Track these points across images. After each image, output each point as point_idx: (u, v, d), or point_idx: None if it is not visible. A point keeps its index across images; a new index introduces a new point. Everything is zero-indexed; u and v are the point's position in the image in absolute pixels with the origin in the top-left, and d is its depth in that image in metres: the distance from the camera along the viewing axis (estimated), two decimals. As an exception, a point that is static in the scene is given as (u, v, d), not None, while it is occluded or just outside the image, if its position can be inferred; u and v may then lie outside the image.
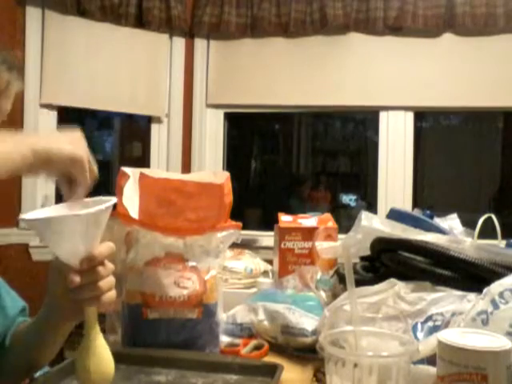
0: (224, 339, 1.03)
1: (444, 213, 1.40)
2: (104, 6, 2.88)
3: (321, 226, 1.46)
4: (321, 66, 3.07)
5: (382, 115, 3.08)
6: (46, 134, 0.78)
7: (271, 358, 0.95)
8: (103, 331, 0.75)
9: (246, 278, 1.51)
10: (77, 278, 0.69)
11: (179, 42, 3.17)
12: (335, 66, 3.07)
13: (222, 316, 1.05)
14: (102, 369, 0.71)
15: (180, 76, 3.19)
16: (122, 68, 3.04)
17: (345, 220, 4.80)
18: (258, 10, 3.03)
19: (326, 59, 3.07)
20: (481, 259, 0.93)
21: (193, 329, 0.93)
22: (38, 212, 0.72)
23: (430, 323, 0.82)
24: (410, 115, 3.06)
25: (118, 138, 5.60)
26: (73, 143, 0.75)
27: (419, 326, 0.82)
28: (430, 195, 5.29)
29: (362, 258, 1.17)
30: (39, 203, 2.84)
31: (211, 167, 3.18)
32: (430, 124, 6.06)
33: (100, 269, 0.72)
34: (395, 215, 1.25)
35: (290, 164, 6.62)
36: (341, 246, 1.27)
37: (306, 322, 1.00)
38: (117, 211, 0.92)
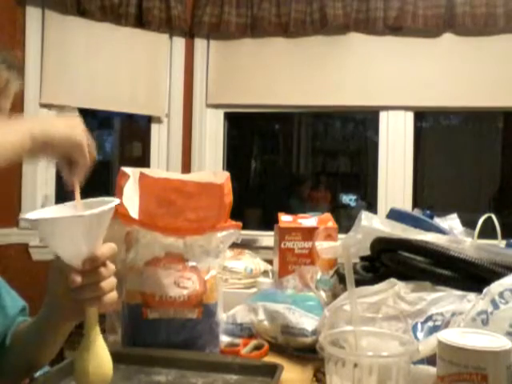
0: (224, 339, 1.03)
1: (444, 213, 1.40)
2: (104, 5, 2.88)
3: (321, 226, 1.46)
4: (321, 66, 3.07)
5: (382, 115, 3.08)
6: (43, 118, 0.78)
7: (271, 358, 0.95)
8: (103, 331, 0.75)
9: (246, 278, 1.51)
10: (78, 278, 0.69)
11: (179, 42, 3.17)
12: (335, 66, 3.07)
13: (222, 316, 1.05)
14: (100, 371, 0.71)
15: (180, 76, 3.19)
16: (122, 68, 3.04)
17: (345, 220, 4.80)
18: (258, 10, 3.03)
19: (325, 59, 3.07)
20: (481, 259, 0.93)
21: (193, 329, 0.93)
22: (41, 212, 0.72)
23: (430, 323, 0.82)
24: (410, 115, 3.06)
25: (118, 138, 5.60)
26: (70, 126, 0.76)
27: (419, 325, 0.82)
28: (430, 195, 5.29)
29: (362, 258, 1.17)
30: (39, 203, 2.84)
31: (211, 167, 3.18)
32: (430, 124, 6.06)
33: (102, 269, 0.72)
34: (395, 215, 1.25)
35: (290, 164, 6.62)
36: (341, 246, 1.27)
37: (306, 321, 1.00)
38: (117, 211, 0.92)
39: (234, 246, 1.06)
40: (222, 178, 0.99)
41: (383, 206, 3.02)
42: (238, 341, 1.03)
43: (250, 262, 1.57)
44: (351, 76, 3.04)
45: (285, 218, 1.50)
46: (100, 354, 0.71)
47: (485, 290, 0.77)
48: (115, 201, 0.71)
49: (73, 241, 0.68)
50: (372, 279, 0.98)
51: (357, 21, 2.96)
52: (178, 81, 3.18)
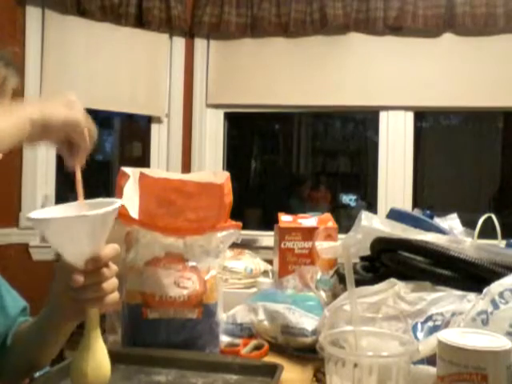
0: (224, 339, 1.03)
1: (444, 213, 1.40)
2: (104, 5, 2.88)
3: (321, 226, 1.46)
4: (321, 66, 3.07)
5: (382, 115, 3.08)
6: (40, 102, 0.77)
7: (271, 358, 0.95)
8: (103, 331, 0.75)
9: (246, 277, 1.51)
10: (81, 278, 0.69)
11: (179, 42, 3.17)
12: (335, 66, 3.07)
13: (222, 316, 1.05)
14: (98, 372, 0.71)
15: (180, 76, 3.19)
16: (122, 68, 3.04)
17: (345, 220, 4.80)
18: (258, 10, 3.03)
19: (326, 59, 3.07)
20: (481, 259, 0.93)
21: (193, 329, 0.93)
22: (44, 211, 0.72)
23: (430, 323, 0.82)
24: (410, 115, 3.06)
25: (118, 138, 5.60)
26: (68, 106, 0.74)
27: (419, 325, 0.82)
28: (430, 195, 5.29)
29: (362, 258, 1.17)
30: (39, 203, 2.84)
31: (211, 167, 3.18)
32: (430, 124, 6.06)
33: (104, 270, 0.72)
34: (395, 215, 1.25)
35: (290, 164, 6.62)
36: (341, 246, 1.27)
37: (306, 321, 1.00)
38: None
39: (234, 245, 1.06)
40: (222, 178, 0.99)
41: (383, 206, 3.02)
42: (238, 341, 1.03)
43: (250, 261, 1.57)
44: (351, 76, 3.04)
45: (285, 218, 1.50)
46: (99, 355, 0.71)
47: (485, 290, 0.77)
48: (119, 202, 0.71)
49: (76, 241, 0.68)
50: (372, 279, 0.98)
51: (357, 21, 2.96)
52: (178, 81, 3.18)
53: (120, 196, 0.94)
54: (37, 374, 0.92)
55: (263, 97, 3.14)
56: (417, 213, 1.35)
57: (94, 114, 0.80)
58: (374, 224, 1.14)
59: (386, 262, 1.03)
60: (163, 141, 3.19)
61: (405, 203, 2.99)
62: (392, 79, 3.00)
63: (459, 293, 0.86)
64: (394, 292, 0.90)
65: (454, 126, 6.17)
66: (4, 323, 0.94)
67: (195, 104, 3.18)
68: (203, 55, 3.18)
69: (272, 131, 6.69)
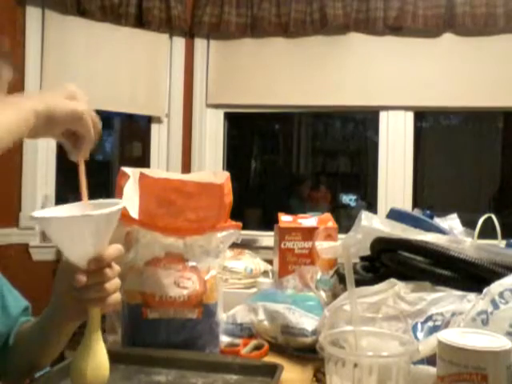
0: (224, 339, 1.03)
1: (444, 213, 1.40)
2: (104, 6, 2.88)
3: (321, 226, 1.45)
4: (321, 66, 3.07)
5: (382, 115, 3.08)
6: (44, 94, 0.76)
7: (271, 358, 0.95)
8: (103, 331, 0.75)
9: (246, 277, 1.51)
10: (83, 278, 0.69)
11: (179, 42, 3.17)
12: (335, 66, 3.07)
13: (222, 316, 1.05)
14: (97, 373, 0.71)
15: (180, 76, 3.19)
16: (122, 68, 3.04)
17: (345, 220, 4.80)
18: (258, 10, 3.03)
19: (326, 59, 3.07)
20: (481, 259, 0.93)
21: (193, 329, 0.93)
22: (48, 211, 0.72)
23: (430, 323, 0.82)
24: (410, 115, 3.06)
25: (118, 138, 5.60)
26: (72, 98, 0.74)
27: (419, 325, 0.82)
28: (430, 195, 5.29)
29: (362, 258, 1.17)
30: (39, 203, 2.84)
31: (211, 167, 3.18)
32: (430, 124, 6.05)
33: (107, 270, 0.72)
34: (395, 215, 1.25)
35: (290, 164, 6.62)
36: (341, 246, 1.27)
37: (306, 321, 1.00)
38: (117, 211, 0.92)
39: (234, 245, 1.06)
40: (222, 178, 0.99)
41: (383, 206, 3.02)
42: (238, 341, 1.03)
43: (250, 261, 1.57)
44: (351, 76, 3.04)
45: (285, 218, 1.50)
46: (99, 355, 0.72)
47: (485, 290, 0.76)
48: (122, 202, 0.71)
49: (80, 240, 0.68)
50: (372, 279, 0.98)
51: (357, 21, 2.96)
52: (178, 81, 3.18)
53: (120, 196, 0.94)
54: (37, 375, 0.92)
55: (263, 97, 3.14)
56: (417, 213, 1.35)
57: (94, 114, 0.79)
58: (374, 224, 1.14)
59: (386, 262, 1.03)
60: (163, 141, 3.19)
61: (405, 203, 2.99)
62: (392, 79, 3.00)
63: (459, 293, 0.86)
64: (393, 292, 0.90)
65: (453, 126, 6.17)
66: (6, 323, 0.94)
67: (195, 104, 3.19)
68: (203, 55, 3.18)
69: (272, 131, 6.68)
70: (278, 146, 6.80)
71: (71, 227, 0.67)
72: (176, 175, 1.00)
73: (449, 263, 0.94)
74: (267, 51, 3.11)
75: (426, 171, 5.39)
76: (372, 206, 3.42)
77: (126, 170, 0.98)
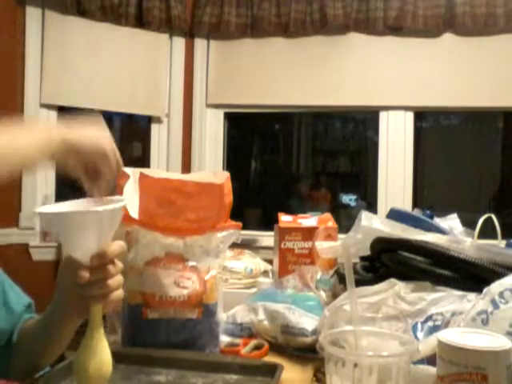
0: (224, 339, 1.03)
1: (444, 213, 1.40)
2: (104, 5, 2.88)
3: (321, 225, 1.46)
4: (321, 66, 3.07)
5: (382, 115, 3.08)
6: (69, 124, 0.78)
7: (271, 358, 0.95)
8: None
9: (246, 278, 1.51)
10: (86, 274, 0.70)
11: (179, 42, 3.17)
12: (335, 66, 3.07)
13: (222, 316, 1.05)
14: (101, 370, 0.71)
15: (180, 76, 3.19)
16: (122, 68, 3.04)
17: (345, 220, 4.79)
18: (258, 9, 3.03)
19: (326, 59, 3.07)
20: (481, 259, 0.93)
21: (193, 329, 0.93)
22: (52, 207, 0.72)
23: (430, 323, 0.82)
24: (410, 115, 3.06)
25: (118, 138, 5.60)
26: (97, 134, 0.76)
27: (419, 325, 0.82)
28: (430, 195, 5.29)
29: (362, 258, 1.17)
30: (39, 203, 2.84)
31: (211, 167, 3.18)
32: (430, 124, 6.05)
33: (110, 267, 0.72)
34: (395, 215, 1.25)
35: (290, 164, 6.61)
36: (341, 246, 1.27)
37: (306, 321, 1.00)
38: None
39: (234, 245, 1.06)
40: (222, 178, 0.99)
41: (383, 206, 3.02)
42: (238, 341, 1.03)
43: (250, 262, 1.57)
44: (351, 76, 3.04)
45: (285, 218, 1.50)
46: (101, 352, 0.72)
47: (485, 290, 0.77)
48: (125, 199, 0.71)
49: (84, 236, 0.69)
50: (372, 279, 0.98)
51: (357, 21, 2.96)
52: (178, 81, 3.18)
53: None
54: (37, 375, 0.92)
55: (263, 97, 3.14)
56: (417, 213, 1.35)
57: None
58: (374, 224, 1.14)
59: (386, 262, 1.03)
60: (163, 141, 3.19)
61: (405, 203, 2.99)
62: (392, 79, 3.00)
63: (459, 293, 0.86)
64: (393, 292, 0.90)
65: (454, 126, 6.17)
66: (9, 320, 0.94)
67: (195, 104, 3.19)
68: (203, 55, 3.18)
69: (272, 131, 6.68)
70: (278, 146, 6.79)
71: (76, 222, 0.67)
72: (176, 175, 1.00)
73: (449, 263, 0.94)
74: (267, 51, 3.11)
75: (426, 171, 5.38)
76: (372, 206, 3.42)
77: (126, 169, 0.98)
